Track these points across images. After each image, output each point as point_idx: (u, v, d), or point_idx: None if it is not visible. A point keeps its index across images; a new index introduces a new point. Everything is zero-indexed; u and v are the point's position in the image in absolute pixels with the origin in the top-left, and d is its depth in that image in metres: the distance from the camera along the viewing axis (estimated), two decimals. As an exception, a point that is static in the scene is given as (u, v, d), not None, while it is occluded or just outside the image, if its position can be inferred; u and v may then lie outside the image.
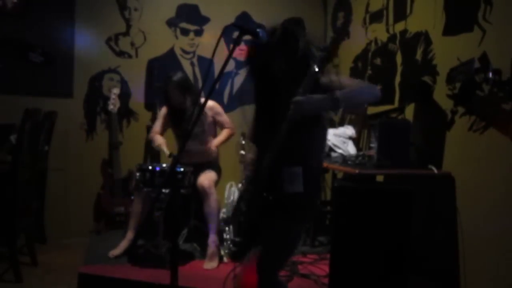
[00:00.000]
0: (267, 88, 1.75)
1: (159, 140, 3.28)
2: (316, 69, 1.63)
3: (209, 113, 3.33)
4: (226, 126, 3.43)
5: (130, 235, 3.14)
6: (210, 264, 2.97)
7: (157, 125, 3.43)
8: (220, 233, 3.16)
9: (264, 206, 1.74)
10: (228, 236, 3.14)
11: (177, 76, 3.26)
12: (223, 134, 3.42)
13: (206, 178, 3.15)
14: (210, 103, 3.32)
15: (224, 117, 3.45)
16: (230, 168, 3.72)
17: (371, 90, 1.81)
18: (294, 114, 1.61)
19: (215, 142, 3.36)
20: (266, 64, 1.70)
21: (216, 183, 3.25)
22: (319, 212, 1.89)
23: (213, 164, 3.35)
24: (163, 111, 3.45)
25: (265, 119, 1.78)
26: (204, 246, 3.10)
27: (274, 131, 1.67)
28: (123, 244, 3.10)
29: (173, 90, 3.21)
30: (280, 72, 1.66)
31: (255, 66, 1.85)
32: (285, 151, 1.66)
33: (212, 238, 3.05)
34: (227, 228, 3.19)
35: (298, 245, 1.91)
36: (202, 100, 2.62)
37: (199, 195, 3.12)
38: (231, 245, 1.95)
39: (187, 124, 3.21)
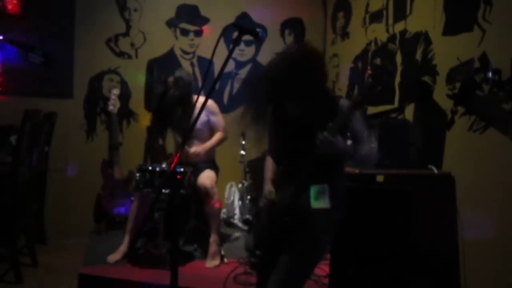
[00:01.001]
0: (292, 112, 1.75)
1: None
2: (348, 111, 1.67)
3: (204, 111, 3.26)
4: (219, 129, 3.29)
5: (128, 238, 3.11)
6: (212, 263, 2.99)
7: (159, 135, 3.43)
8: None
9: (284, 228, 1.76)
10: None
11: (179, 71, 3.28)
12: (214, 138, 3.26)
13: (208, 178, 3.14)
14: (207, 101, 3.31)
15: (218, 119, 3.30)
16: (230, 168, 3.71)
17: (367, 159, 1.85)
18: (320, 149, 1.65)
19: (203, 146, 3.20)
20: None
21: (216, 182, 3.24)
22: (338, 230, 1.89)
23: (210, 163, 3.33)
24: (153, 116, 3.46)
25: (289, 143, 1.82)
26: (204, 246, 3.10)
27: (297, 156, 1.73)
28: (122, 248, 3.07)
29: (171, 83, 3.21)
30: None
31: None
32: (313, 173, 1.71)
33: (214, 238, 3.06)
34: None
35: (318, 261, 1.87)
36: (200, 98, 2.62)
37: (200, 195, 3.12)
38: (249, 255, 1.94)
39: (184, 123, 3.22)
